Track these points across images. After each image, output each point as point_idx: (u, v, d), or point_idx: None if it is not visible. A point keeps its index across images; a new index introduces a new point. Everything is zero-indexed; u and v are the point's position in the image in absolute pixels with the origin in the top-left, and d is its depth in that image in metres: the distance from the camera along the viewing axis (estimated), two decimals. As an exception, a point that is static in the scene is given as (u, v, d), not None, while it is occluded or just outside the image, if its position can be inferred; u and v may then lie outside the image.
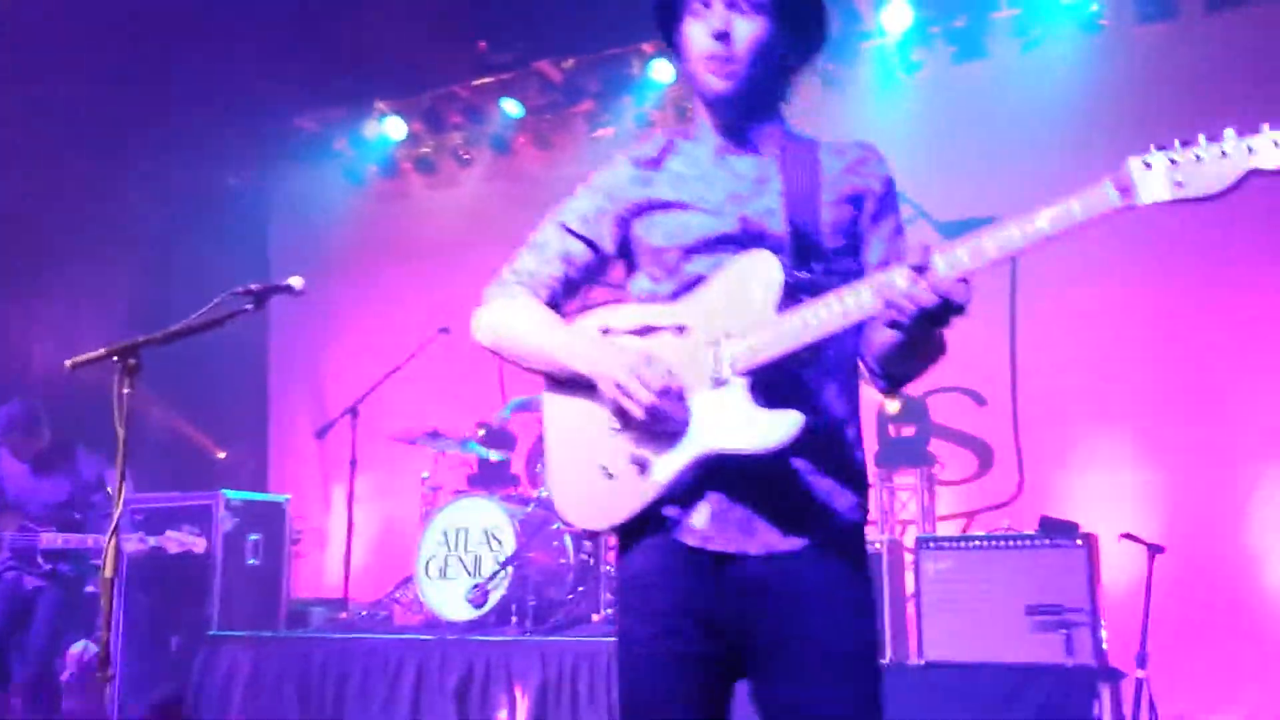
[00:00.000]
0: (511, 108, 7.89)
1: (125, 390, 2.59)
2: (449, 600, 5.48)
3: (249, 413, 8.82)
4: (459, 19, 7.32)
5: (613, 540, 6.06)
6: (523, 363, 1.94)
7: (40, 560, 5.15)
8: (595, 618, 5.32)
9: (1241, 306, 6.03)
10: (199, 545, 5.11)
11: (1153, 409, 6.17)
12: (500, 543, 5.46)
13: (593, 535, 1.59)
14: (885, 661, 4.59)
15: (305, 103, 8.31)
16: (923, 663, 4.58)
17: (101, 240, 8.09)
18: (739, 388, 1.73)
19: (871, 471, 6.34)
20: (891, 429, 6.45)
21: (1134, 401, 6.22)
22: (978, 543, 4.67)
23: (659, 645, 1.78)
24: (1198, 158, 1.51)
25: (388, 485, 7.31)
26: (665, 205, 1.88)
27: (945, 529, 6.40)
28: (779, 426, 1.69)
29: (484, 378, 8.10)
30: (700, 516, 1.77)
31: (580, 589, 5.57)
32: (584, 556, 5.59)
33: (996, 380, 6.66)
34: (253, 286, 2.84)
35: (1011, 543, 4.54)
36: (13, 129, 7.10)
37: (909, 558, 4.95)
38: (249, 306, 2.84)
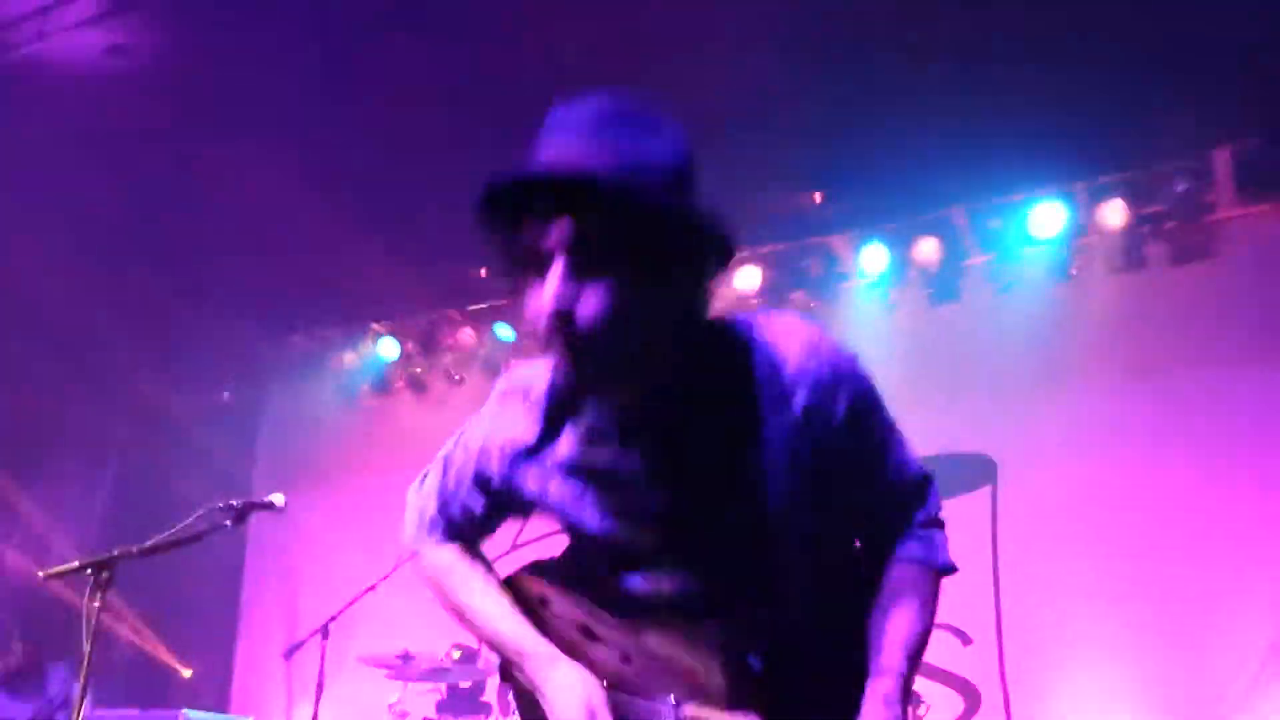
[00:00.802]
0: (504, 332, 8.14)
1: (96, 604, 2.57)
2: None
3: (218, 628, 8.60)
4: (457, 248, 7.62)
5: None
6: (471, 630, 1.99)
7: None
8: None
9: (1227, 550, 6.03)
10: None
11: (1145, 645, 6.08)
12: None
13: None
14: None
15: (301, 321, 8.55)
16: None
17: (84, 449, 8.13)
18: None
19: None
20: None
21: (1124, 638, 6.13)
22: None
23: None
24: None
25: (355, 711, 7.04)
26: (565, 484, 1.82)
27: (932, 775, 6.16)
28: None
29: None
30: None
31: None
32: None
33: (981, 619, 6.57)
34: (234, 503, 2.87)
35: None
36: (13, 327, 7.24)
37: None
38: (228, 523, 2.85)
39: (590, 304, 1.46)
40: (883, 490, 1.72)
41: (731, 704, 1.54)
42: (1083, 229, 6.75)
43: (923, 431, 6.52)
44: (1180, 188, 6.45)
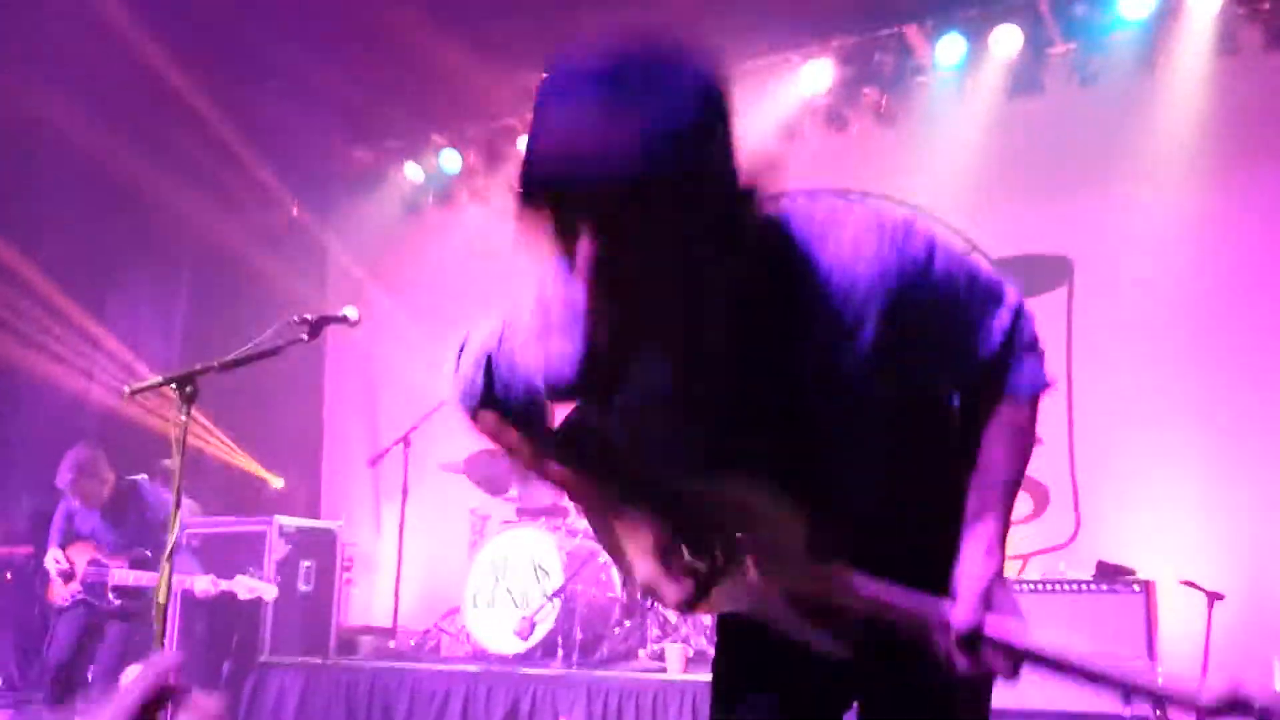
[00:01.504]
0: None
1: (183, 418, 2.64)
2: (496, 632, 5.48)
3: (304, 440, 8.93)
4: (521, 54, 7.42)
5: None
6: None
7: (110, 595, 5.25)
8: (642, 653, 5.29)
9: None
10: (269, 593, 5.19)
11: (1216, 451, 6.02)
12: (547, 574, 5.46)
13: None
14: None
15: (363, 134, 8.47)
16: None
17: (156, 271, 8.29)
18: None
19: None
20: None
21: (1196, 443, 6.08)
22: (1033, 587, 4.59)
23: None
24: None
25: (438, 515, 7.34)
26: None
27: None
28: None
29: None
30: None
31: (626, 623, 5.55)
32: (634, 590, 5.58)
33: (1052, 419, 6.53)
34: (308, 316, 2.89)
35: (1067, 587, 4.45)
36: (78, 161, 7.30)
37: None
38: (304, 336, 2.88)
39: (623, 311, 1.36)
40: (975, 364, 1.60)
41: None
42: (1174, 11, 6.32)
43: (997, 231, 6.45)
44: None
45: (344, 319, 2.95)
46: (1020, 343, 1.63)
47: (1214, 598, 4.31)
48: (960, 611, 1.41)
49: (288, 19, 6.71)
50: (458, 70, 7.42)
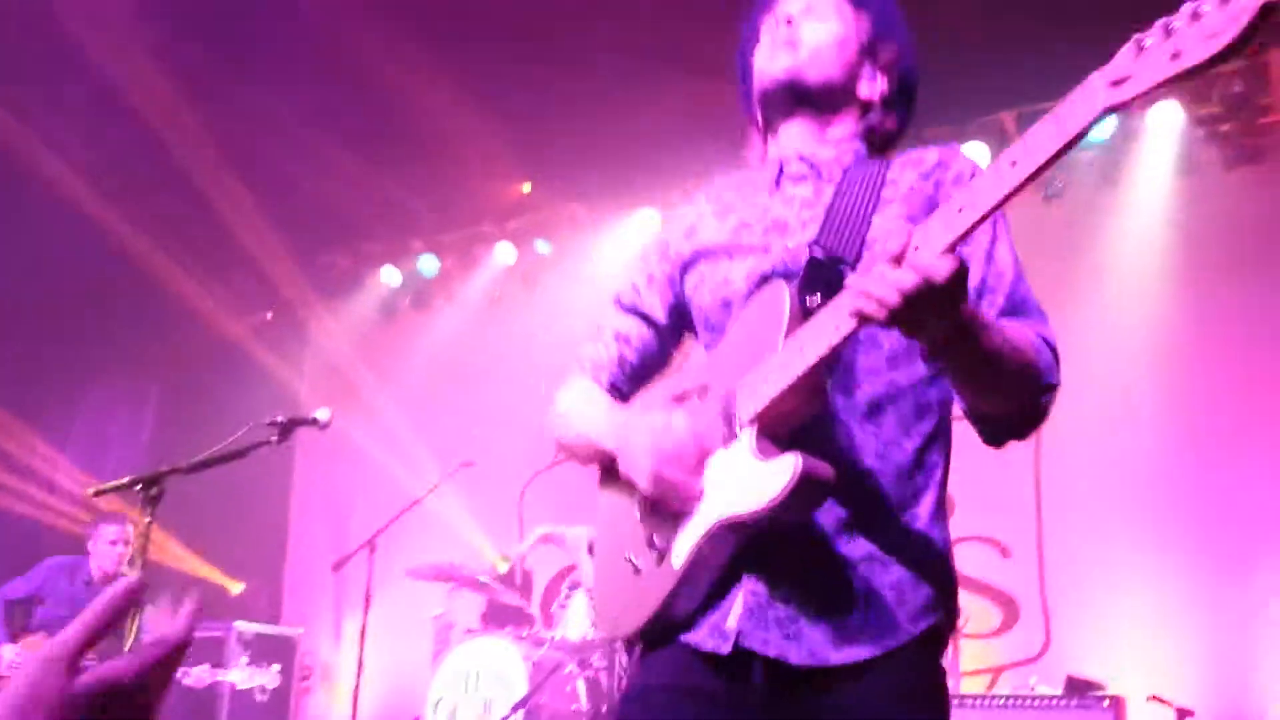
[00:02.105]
0: (543, 247, 8.15)
1: (147, 519, 2.60)
2: (458, 745, 5.34)
3: (268, 545, 8.80)
4: (496, 166, 7.60)
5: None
6: (573, 453, 1.76)
7: None
8: (608, 767, 5.16)
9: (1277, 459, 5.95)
10: (270, 681, 5.09)
11: (1186, 565, 6.04)
12: (512, 686, 5.34)
13: (629, 651, 1.49)
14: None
15: (341, 238, 8.58)
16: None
17: (128, 374, 8.24)
18: (745, 438, 1.42)
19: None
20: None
21: (1166, 557, 6.10)
22: (1003, 701, 4.53)
23: None
24: (1195, 14, 1.15)
25: (401, 622, 7.20)
26: (710, 254, 1.64)
27: (970, 685, 6.21)
28: (775, 475, 1.34)
29: (505, 512, 8.12)
30: (733, 614, 1.43)
31: (593, 736, 5.42)
32: (599, 705, 5.46)
33: (1022, 530, 6.56)
34: (279, 418, 2.88)
35: (1037, 702, 4.40)
36: (61, 245, 7.31)
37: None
38: (273, 439, 2.87)
39: (812, 22, 1.68)
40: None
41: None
42: (1135, 131, 6.55)
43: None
44: (1235, 89, 6.23)
45: (314, 421, 2.94)
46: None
47: (1184, 714, 4.27)
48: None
49: (265, 123, 6.83)
50: (437, 177, 7.57)
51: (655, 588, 1.48)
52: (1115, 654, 5.82)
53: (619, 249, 8.05)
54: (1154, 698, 4.33)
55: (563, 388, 1.80)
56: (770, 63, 1.63)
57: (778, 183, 1.65)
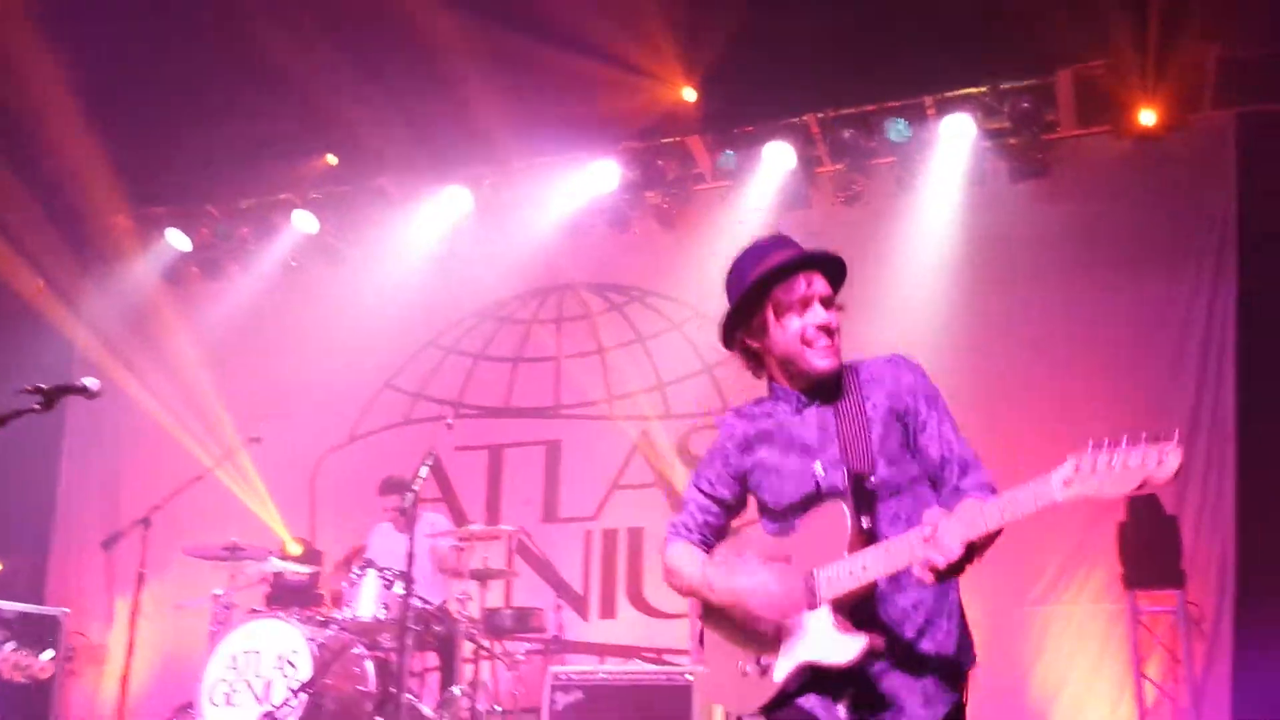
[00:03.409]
0: (304, 222, 7.96)
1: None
2: (234, 729, 5.11)
3: (32, 520, 8.20)
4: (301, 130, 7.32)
5: (418, 667, 5.84)
6: (682, 593, 2.47)
7: None
8: (393, 750, 5.04)
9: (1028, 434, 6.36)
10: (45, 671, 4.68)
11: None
12: (295, 668, 5.16)
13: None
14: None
15: (125, 201, 8.05)
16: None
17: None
18: (825, 611, 2.16)
19: (686, 600, 6.43)
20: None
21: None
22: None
23: None
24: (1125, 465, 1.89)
25: (176, 601, 6.84)
26: (764, 469, 2.39)
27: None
28: (850, 648, 2.12)
29: (292, 490, 7.84)
30: (842, 708, 2.19)
31: (379, 719, 5.29)
32: (387, 685, 5.34)
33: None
34: (41, 385, 2.66)
35: None
36: None
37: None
38: (36, 406, 2.65)
39: (839, 323, 2.37)
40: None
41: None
42: (930, 141, 6.86)
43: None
44: (1024, 105, 6.62)
45: (83, 389, 2.73)
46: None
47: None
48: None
49: (51, 79, 6.37)
50: (234, 140, 7.22)
51: (762, 689, 2.25)
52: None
53: (426, 225, 7.88)
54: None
55: (669, 546, 2.51)
56: (823, 362, 2.34)
57: (797, 409, 2.39)
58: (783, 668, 2.20)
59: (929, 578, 2.03)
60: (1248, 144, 6.40)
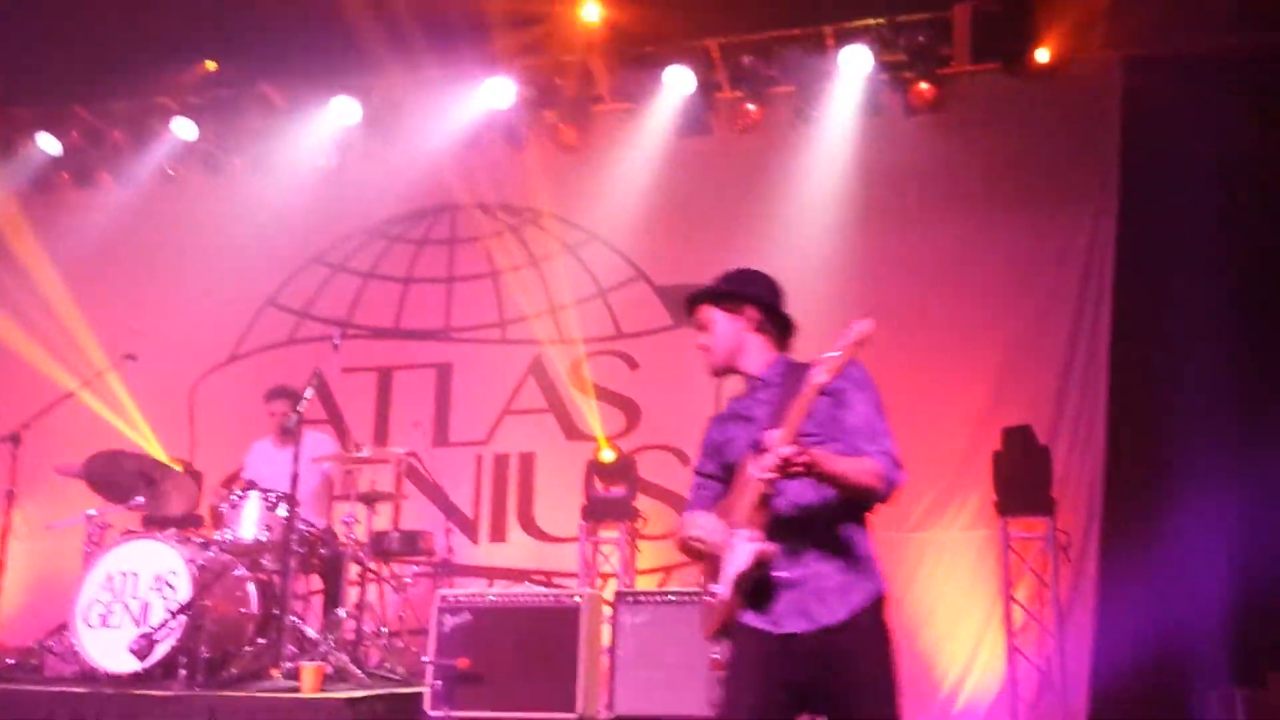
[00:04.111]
0: (183, 129, 7.65)
1: None
2: (110, 651, 4.97)
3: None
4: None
5: (303, 590, 5.75)
6: (693, 554, 2.79)
7: None
8: (275, 672, 4.97)
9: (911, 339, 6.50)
10: None
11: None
12: (174, 589, 5.03)
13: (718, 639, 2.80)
14: (575, 716, 4.57)
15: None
16: (612, 717, 4.59)
17: None
18: (741, 534, 2.62)
19: (577, 525, 6.47)
20: (600, 486, 6.51)
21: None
22: (674, 597, 4.76)
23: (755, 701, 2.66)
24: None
25: (48, 521, 6.60)
26: (727, 440, 2.86)
27: (645, 583, 6.50)
28: (747, 554, 2.59)
29: (170, 411, 7.58)
30: (768, 619, 2.65)
31: (261, 640, 5.21)
32: (270, 608, 5.25)
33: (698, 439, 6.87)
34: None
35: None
36: None
37: (608, 611, 4.97)
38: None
39: (706, 339, 2.92)
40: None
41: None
42: (830, 72, 6.86)
43: (662, 257, 6.72)
44: (920, 39, 6.66)
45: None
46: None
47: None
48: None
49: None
50: (106, 39, 6.80)
51: (717, 610, 2.68)
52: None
53: (312, 136, 7.60)
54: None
55: (688, 514, 2.80)
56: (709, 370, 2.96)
57: (749, 391, 2.87)
58: (721, 587, 2.64)
59: (771, 473, 2.50)
60: (1133, 87, 6.57)
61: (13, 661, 5.64)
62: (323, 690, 4.69)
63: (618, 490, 6.48)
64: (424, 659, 4.96)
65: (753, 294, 2.91)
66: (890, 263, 6.79)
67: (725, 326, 2.88)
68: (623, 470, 6.53)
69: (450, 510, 6.89)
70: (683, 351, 6.98)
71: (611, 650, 4.69)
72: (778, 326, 2.92)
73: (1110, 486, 6.24)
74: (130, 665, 4.89)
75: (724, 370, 2.91)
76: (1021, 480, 6.07)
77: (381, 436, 7.39)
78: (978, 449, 6.28)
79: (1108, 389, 6.36)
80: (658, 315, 7.15)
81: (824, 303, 6.62)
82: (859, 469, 2.63)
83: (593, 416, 7.09)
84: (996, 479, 6.14)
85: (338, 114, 7.51)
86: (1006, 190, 6.74)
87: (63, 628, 5.38)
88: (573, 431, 7.21)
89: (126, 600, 5.09)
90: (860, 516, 2.77)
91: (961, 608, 6.36)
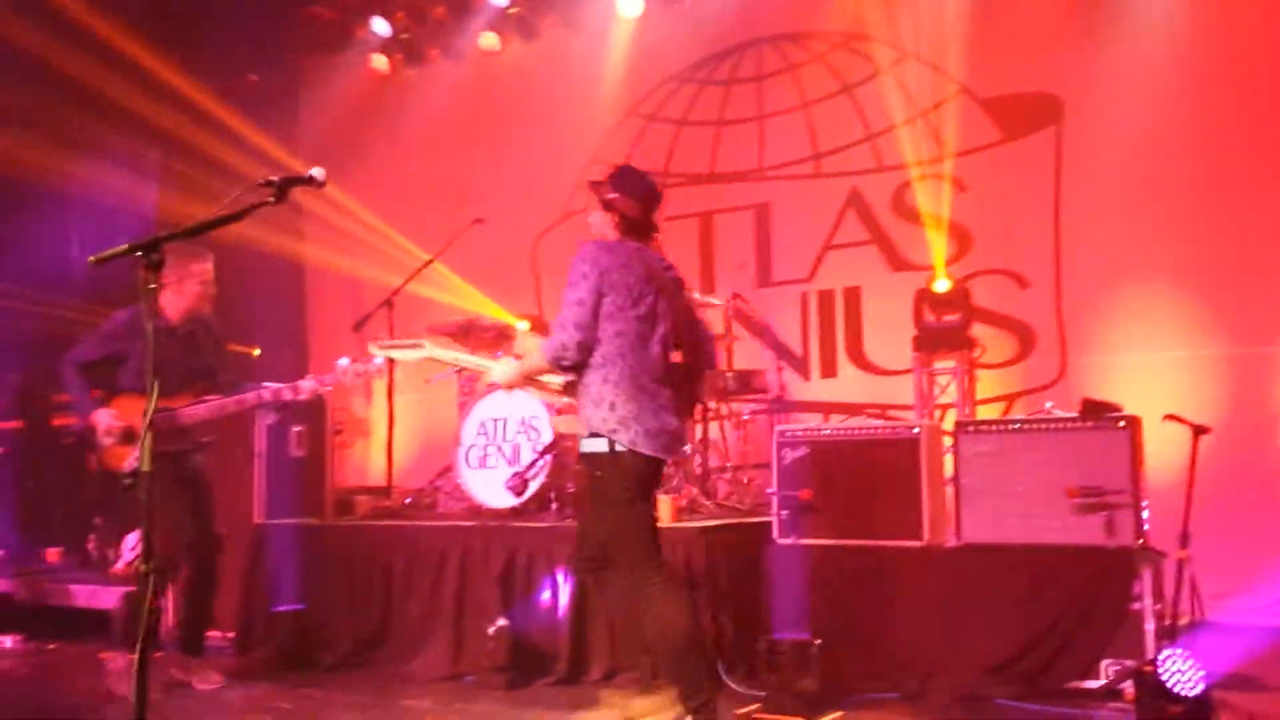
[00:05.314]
0: None
1: (150, 285, 2.57)
2: (490, 488, 5.54)
3: (287, 311, 8.89)
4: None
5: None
6: None
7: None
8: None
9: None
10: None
11: (1199, 287, 6.03)
12: (537, 431, 5.49)
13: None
14: (922, 543, 4.60)
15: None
16: (960, 545, 4.58)
17: (127, 143, 8.07)
18: None
19: (910, 356, 6.37)
20: (932, 315, 6.32)
21: (1180, 280, 6.08)
22: (1018, 426, 4.61)
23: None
24: None
25: (424, 377, 7.33)
26: None
27: (985, 413, 6.35)
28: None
29: (518, 267, 8.12)
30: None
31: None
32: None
33: (1040, 262, 6.52)
34: (273, 178, 2.78)
35: (1053, 425, 4.47)
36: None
37: (948, 441, 4.91)
38: (270, 199, 2.79)
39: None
40: None
41: None
42: None
43: (983, 69, 6.23)
44: None
45: (310, 179, 2.84)
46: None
47: (1199, 431, 4.31)
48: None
49: None
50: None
51: None
52: (1131, 379, 5.90)
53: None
54: (1170, 416, 4.35)
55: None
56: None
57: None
58: None
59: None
60: None
61: (410, 501, 6.41)
62: (678, 521, 5.01)
63: (951, 319, 6.28)
64: (769, 490, 5.14)
65: None
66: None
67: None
68: (956, 298, 6.31)
69: (779, 349, 6.98)
70: (1015, 167, 6.66)
71: (955, 480, 4.65)
72: None
73: None
74: (508, 501, 5.43)
75: None
76: None
77: (707, 281, 7.54)
78: None
79: None
80: (985, 131, 6.74)
81: (1170, 105, 5.99)
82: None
83: (921, 245, 6.86)
84: None
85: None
86: None
87: (449, 469, 6.05)
88: (898, 262, 7.02)
89: (499, 443, 5.62)
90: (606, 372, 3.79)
91: None
